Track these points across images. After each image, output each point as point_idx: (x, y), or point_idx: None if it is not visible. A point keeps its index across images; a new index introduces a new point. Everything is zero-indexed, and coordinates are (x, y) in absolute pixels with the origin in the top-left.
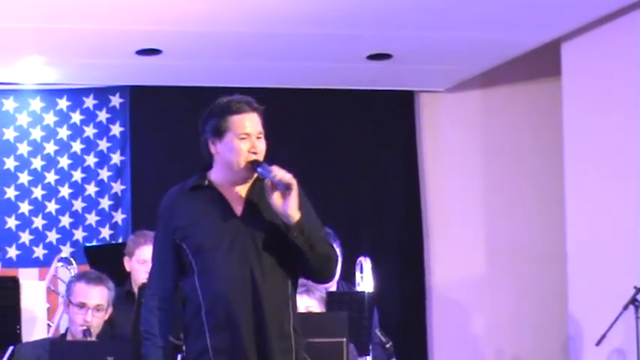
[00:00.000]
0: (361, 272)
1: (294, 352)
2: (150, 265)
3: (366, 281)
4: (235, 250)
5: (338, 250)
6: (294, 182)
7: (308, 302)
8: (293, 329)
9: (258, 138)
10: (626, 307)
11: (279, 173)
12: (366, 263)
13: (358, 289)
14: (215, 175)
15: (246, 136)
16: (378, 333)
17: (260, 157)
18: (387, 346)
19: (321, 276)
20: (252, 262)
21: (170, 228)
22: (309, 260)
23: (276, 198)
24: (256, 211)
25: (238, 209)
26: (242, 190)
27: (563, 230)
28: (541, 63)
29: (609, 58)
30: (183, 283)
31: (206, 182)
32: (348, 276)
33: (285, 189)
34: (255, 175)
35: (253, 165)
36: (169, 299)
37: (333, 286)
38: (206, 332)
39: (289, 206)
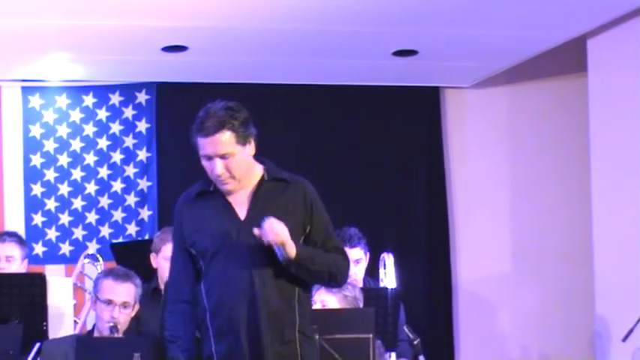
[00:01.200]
0: (384, 268)
1: (300, 357)
2: None
3: (389, 277)
4: (236, 254)
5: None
6: (282, 239)
7: (325, 297)
8: (300, 333)
9: (225, 158)
10: None
11: (269, 236)
12: (388, 259)
13: (382, 285)
14: None
15: (207, 157)
16: (406, 329)
17: (228, 177)
18: (415, 342)
19: (326, 286)
20: (253, 266)
21: (180, 234)
22: (311, 280)
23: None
24: (260, 215)
25: (242, 214)
26: (245, 194)
27: (589, 227)
28: (567, 59)
29: (635, 54)
30: (197, 287)
31: (211, 188)
32: (375, 272)
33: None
34: (259, 177)
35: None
36: (190, 302)
37: (359, 283)
38: (211, 337)
39: (283, 252)
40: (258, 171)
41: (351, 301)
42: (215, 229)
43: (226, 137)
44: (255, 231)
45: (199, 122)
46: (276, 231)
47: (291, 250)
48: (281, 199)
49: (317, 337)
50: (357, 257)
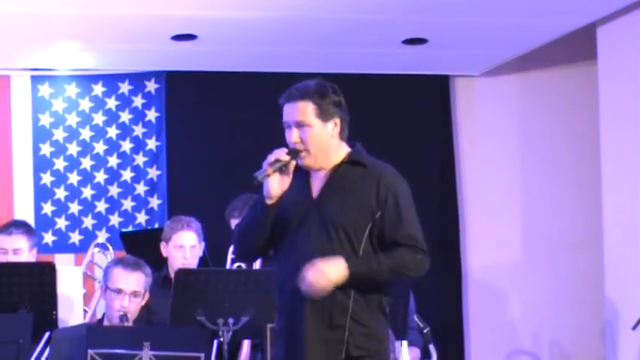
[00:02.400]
0: None
1: (346, 344)
2: (187, 250)
3: None
4: (301, 231)
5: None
6: (327, 283)
7: None
8: (352, 320)
9: (300, 127)
10: None
11: (316, 289)
12: None
13: None
14: None
15: (287, 126)
16: (416, 318)
17: (303, 147)
18: (425, 331)
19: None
20: (314, 246)
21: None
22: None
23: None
24: (332, 195)
25: (316, 192)
26: (325, 174)
27: (599, 216)
28: (577, 47)
29: None
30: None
31: (299, 162)
32: None
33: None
34: (341, 159)
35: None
36: None
37: None
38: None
39: (334, 282)
40: (342, 153)
41: None
42: (289, 204)
43: (306, 107)
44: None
45: (287, 91)
46: (316, 281)
47: (343, 275)
48: (354, 183)
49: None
50: None
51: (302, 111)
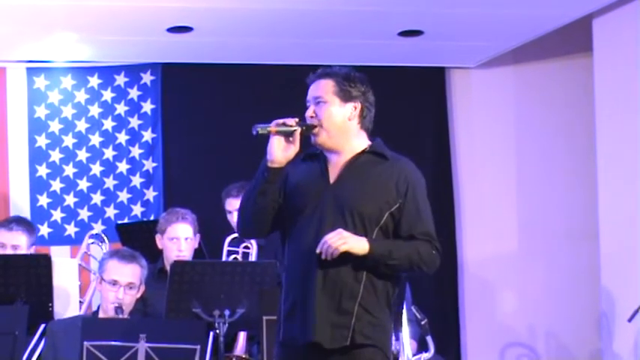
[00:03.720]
0: None
1: (351, 331)
2: (181, 242)
3: None
4: (315, 215)
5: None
6: (345, 247)
7: None
8: (360, 307)
9: (317, 103)
10: None
11: (330, 248)
12: None
13: None
14: None
15: (307, 104)
16: (413, 309)
17: (318, 122)
18: (422, 322)
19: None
20: (327, 230)
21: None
22: (392, 272)
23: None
24: (350, 182)
25: (333, 178)
26: (344, 161)
27: (595, 207)
28: (572, 39)
29: None
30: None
31: (319, 151)
32: None
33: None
34: (362, 148)
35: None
36: None
37: None
38: (282, 293)
39: (351, 248)
40: (362, 143)
41: None
42: (304, 189)
43: (327, 84)
44: (317, 251)
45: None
46: (333, 241)
47: (362, 248)
48: (373, 173)
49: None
50: None
51: (322, 87)
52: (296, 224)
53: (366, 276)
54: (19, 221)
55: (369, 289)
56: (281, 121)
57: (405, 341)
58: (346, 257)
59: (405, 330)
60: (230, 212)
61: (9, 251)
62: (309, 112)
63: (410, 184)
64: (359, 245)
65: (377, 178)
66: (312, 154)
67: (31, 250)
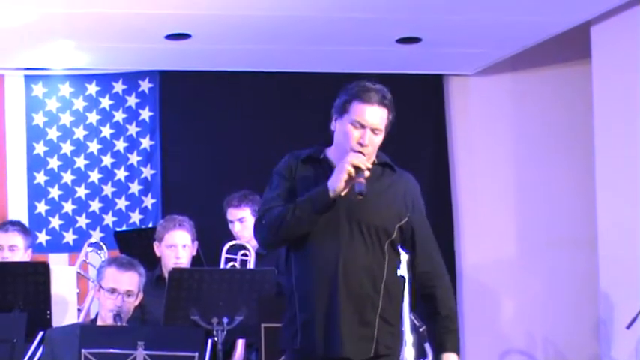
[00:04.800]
0: None
1: (375, 342)
2: (179, 249)
3: None
4: (330, 228)
5: None
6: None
7: None
8: (381, 318)
9: (375, 133)
10: None
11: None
12: None
13: None
14: (331, 153)
15: (359, 125)
16: (412, 316)
17: (368, 151)
18: (421, 329)
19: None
20: (344, 243)
21: (292, 184)
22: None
23: None
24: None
25: (343, 192)
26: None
27: (593, 213)
28: (570, 46)
29: (638, 40)
30: (289, 255)
31: (322, 156)
32: None
33: None
34: (371, 162)
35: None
36: None
37: None
38: (296, 302)
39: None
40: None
41: None
42: None
43: (385, 114)
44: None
45: (362, 88)
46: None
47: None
48: (384, 184)
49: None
50: None
51: (382, 118)
52: (308, 234)
53: (384, 286)
54: (14, 223)
55: (387, 299)
56: (358, 163)
57: (409, 349)
58: (366, 268)
59: (409, 337)
60: (232, 222)
61: (6, 253)
62: (367, 141)
63: (415, 197)
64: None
65: (388, 190)
66: (315, 159)
67: (28, 253)
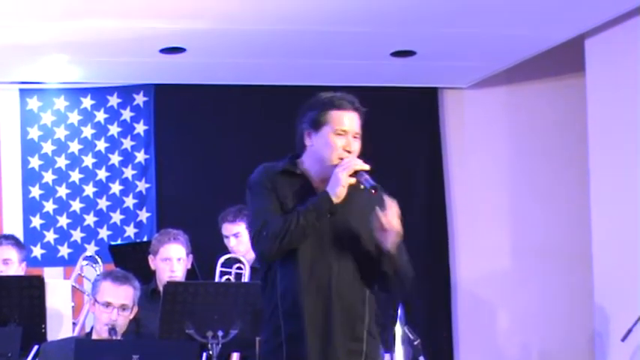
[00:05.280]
0: None
1: (364, 356)
2: (174, 263)
3: None
4: (317, 245)
5: None
6: (397, 229)
7: None
8: (368, 332)
9: (355, 138)
10: None
11: (388, 219)
12: None
13: None
14: (306, 166)
15: (343, 132)
16: (406, 330)
17: (353, 157)
18: (415, 343)
19: (390, 291)
20: (332, 259)
21: (276, 197)
22: (387, 280)
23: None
24: (344, 211)
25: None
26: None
27: (588, 227)
28: (565, 59)
29: (633, 53)
30: (270, 270)
31: (298, 171)
32: None
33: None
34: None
35: (356, 174)
36: None
37: None
38: (280, 316)
39: (386, 241)
40: None
41: None
42: None
43: (359, 118)
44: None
45: (334, 98)
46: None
47: (392, 246)
48: (363, 198)
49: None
50: None
51: (358, 123)
52: (297, 248)
53: (368, 299)
54: (7, 236)
55: (371, 312)
56: (359, 166)
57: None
58: (355, 282)
59: (399, 351)
60: (227, 237)
61: (0, 266)
62: (355, 146)
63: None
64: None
65: (364, 204)
66: (291, 172)
67: (22, 266)
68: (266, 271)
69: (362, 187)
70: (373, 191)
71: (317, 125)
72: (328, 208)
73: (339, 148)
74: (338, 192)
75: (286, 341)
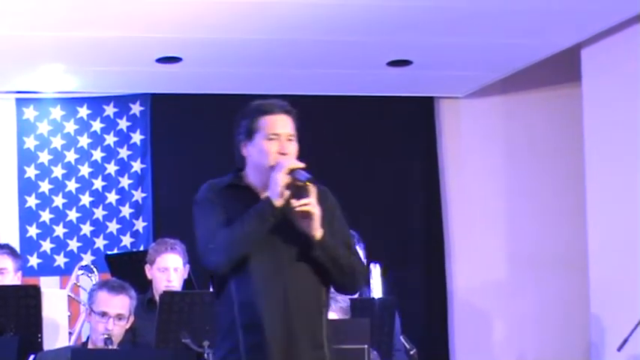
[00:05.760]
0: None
1: None
2: (171, 273)
3: (375, 288)
4: (269, 254)
5: (362, 255)
6: (314, 211)
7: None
8: (326, 339)
9: (289, 140)
10: None
11: (303, 203)
12: (375, 270)
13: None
14: (249, 177)
15: (275, 136)
16: (402, 339)
17: (290, 159)
18: (412, 352)
19: (344, 288)
20: (285, 267)
21: (225, 213)
22: (332, 275)
23: (299, 218)
24: (290, 217)
25: None
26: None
27: (584, 236)
28: (561, 68)
29: (629, 63)
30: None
31: (243, 183)
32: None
33: (306, 216)
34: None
35: (292, 172)
36: None
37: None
38: (238, 330)
39: (309, 227)
40: None
41: (345, 311)
42: None
43: (291, 121)
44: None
45: (263, 104)
46: (313, 206)
47: (315, 230)
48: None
49: None
50: None
51: (291, 125)
52: (250, 259)
53: (324, 307)
54: (2, 246)
55: (326, 319)
56: (295, 166)
57: None
58: (310, 289)
59: None
60: None
61: None
62: (284, 149)
63: (335, 207)
64: (319, 225)
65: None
66: (236, 185)
67: (18, 275)
68: (219, 285)
69: (299, 183)
70: (309, 184)
71: (250, 134)
72: (271, 211)
73: (273, 152)
74: (277, 193)
75: (246, 354)
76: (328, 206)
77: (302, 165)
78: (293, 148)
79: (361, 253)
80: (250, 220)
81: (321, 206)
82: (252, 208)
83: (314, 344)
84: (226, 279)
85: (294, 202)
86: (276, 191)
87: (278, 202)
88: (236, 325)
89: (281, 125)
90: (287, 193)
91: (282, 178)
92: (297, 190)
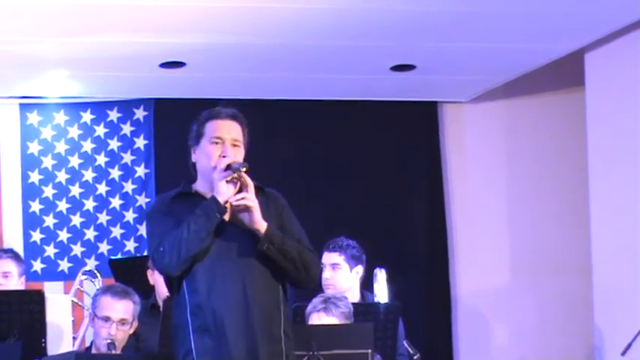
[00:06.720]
0: (377, 283)
1: (285, 356)
2: None
3: (381, 292)
4: (223, 255)
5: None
6: (251, 204)
7: (326, 320)
8: (284, 333)
9: (234, 145)
10: None
11: (240, 197)
12: (380, 274)
13: (376, 300)
14: (198, 185)
15: (218, 140)
16: (405, 344)
17: (230, 159)
18: (415, 357)
19: (299, 284)
20: (241, 266)
21: (176, 222)
22: (285, 269)
23: (239, 213)
24: (244, 217)
25: (225, 215)
26: None
27: (588, 240)
28: (564, 73)
29: (633, 67)
30: (178, 283)
31: (193, 190)
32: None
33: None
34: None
35: (229, 167)
36: None
37: (357, 297)
38: (190, 334)
39: (251, 221)
40: None
41: (347, 316)
42: None
43: (239, 128)
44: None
45: (211, 111)
46: (252, 200)
47: (259, 223)
48: (261, 204)
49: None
50: (333, 261)
51: (237, 131)
52: (197, 266)
53: (282, 302)
54: (6, 250)
55: (284, 314)
56: (237, 164)
57: None
58: (267, 286)
59: None
60: None
61: (0, 280)
62: (227, 152)
63: (283, 208)
64: (259, 215)
65: (264, 208)
66: (185, 194)
67: (22, 280)
68: (174, 289)
69: (234, 176)
70: (244, 169)
71: (197, 138)
72: (216, 208)
73: (216, 155)
74: (218, 189)
75: (204, 355)
76: (277, 208)
77: (239, 160)
78: (237, 152)
79: (361, 271)
80: (197, 219)
81: (269, 209)
82: (198, 207)
83: (270, 338)
84: (180, 282)
85: (231, 198)
86: (217, 187)
87: (221, 198)
88: (188, 329)
89: (226, 130)
90: (231, 188)
91: (220, 174)
92: (240, 187)
